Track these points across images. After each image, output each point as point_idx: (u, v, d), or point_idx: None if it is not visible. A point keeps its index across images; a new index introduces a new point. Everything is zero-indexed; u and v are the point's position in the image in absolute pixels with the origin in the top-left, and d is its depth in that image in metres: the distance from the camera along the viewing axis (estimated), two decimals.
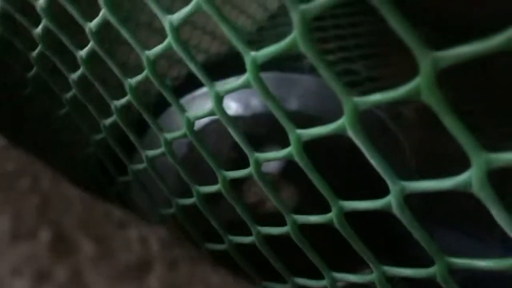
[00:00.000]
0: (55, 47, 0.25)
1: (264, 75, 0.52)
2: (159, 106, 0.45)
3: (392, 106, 0.55)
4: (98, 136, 0.27)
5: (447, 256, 0.15)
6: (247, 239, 0.22)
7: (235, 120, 0.53)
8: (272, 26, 0.61)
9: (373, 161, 0.14)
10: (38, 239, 0.08)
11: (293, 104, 0.51)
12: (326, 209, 0.18)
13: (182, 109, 0.20)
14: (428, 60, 0.11)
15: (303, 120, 0.52)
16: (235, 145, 0.50)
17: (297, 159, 0.16)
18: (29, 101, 0.29)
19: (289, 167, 0.44)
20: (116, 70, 0.21)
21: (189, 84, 0.48)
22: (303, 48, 0.14)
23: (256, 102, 0.52)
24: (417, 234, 0.15)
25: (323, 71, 0.14)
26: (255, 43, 0.58)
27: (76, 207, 0.09)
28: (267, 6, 0.60)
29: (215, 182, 0.24)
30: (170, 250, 0.08)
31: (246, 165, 0.21)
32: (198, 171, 0.46)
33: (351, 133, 0.14)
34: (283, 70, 0.57)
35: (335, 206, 0.17)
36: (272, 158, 0.18)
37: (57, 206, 0.08)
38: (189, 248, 0.09)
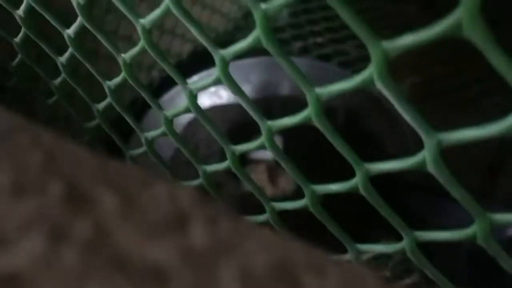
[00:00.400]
0: (40, 30, 0.23)
1: (256, 60, 0.50)
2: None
3: None
4: (92, 124, 0.25)
5: (489, 213, 0.13)
6: (260, 218, 0.21)
7: (229, 108, 0.51)
8: (248, 24, 0.60)
9: (406, 115, 0.13)
10: (48, 192, 0.06)
11: (285, 88, 0.50)
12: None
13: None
14: None
15: (296, 104, 0.51)
16: (227, 135, 0.48)
17: (315, 121, 0.15)
18: (14, 92, 0.27)
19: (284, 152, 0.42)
20: (107, 44, 0.19)
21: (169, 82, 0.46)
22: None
23: (247, 89, 0.51)
24: (456, 192, 0.14)
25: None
26: (231, 42, 0.57)
27: (88, 163, 0.07)
28: (241, 3, 0.59)
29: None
30: (205, 207, 0.07)
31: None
32: (186, 172, 0.44)
33: (380, 84, 0.13)
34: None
35: (360, 171, 0.15)
36: (286, 124, 0.17)
37: (65, 161, 0.07)
38: (225, 206, 0.07)
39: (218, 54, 0.16)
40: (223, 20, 0.57)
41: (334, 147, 0.16)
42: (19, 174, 0.07)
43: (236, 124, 0.46)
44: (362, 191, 0.16)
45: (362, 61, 0.55)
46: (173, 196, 0.07)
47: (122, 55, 0.19)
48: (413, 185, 0.36)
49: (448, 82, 0.53)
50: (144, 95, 0.21)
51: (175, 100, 0.44)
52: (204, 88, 0.18)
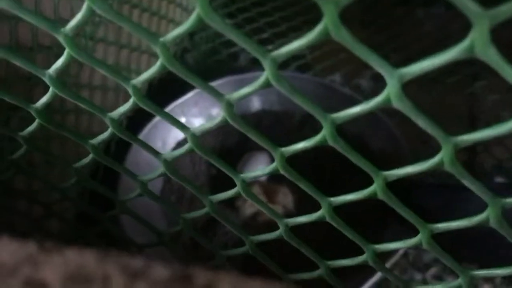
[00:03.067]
0: None
1: (223, 81, 0.49)
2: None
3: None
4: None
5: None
6: (273, 235, 0.21)
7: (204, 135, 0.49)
8: (201, 29, 0.58)
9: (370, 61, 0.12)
10: None
11: (256, 103, 0.49)
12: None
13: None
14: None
15: (269, 116, 0.50)
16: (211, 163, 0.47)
17: (331, 142, 0.16)
18: None
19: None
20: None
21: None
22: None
23: (218, 110, 0.50)
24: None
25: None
26: (190, 50, 0.56)
27: None
28: (189, 8, 0.58)
29: (200, 206, 0.23)
30: None
31: (227, 179, 0.20)
32: (181, 198, 0.43)
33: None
34: (236, 73, 0.55)
35: (378, 178, 0.16)
36: (299, 148, 0.16)
37: None
38: None
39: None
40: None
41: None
42: None
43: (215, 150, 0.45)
44: (381, 196, 0.16)
45: (319, 63, 0.55)
46: None
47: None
48: (425, 183, 0.38)
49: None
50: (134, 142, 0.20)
51: (151, 136, 0.43)
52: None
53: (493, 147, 0.46)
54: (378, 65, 0.13)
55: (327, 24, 0.12)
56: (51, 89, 0.18)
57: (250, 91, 0.16)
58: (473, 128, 0.48)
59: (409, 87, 0.14)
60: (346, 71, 0.54)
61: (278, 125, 0.48)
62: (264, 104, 0.50)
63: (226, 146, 0.46)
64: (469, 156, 0.46)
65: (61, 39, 0.16)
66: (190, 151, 0.20)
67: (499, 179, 0.45)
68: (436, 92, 0.50)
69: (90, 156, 0.21)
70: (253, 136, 0.18)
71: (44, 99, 0.19)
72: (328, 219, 0.19)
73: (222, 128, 0.50)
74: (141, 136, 0.43)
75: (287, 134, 0.46)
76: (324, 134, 0.16)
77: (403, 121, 0.16)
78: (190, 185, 0.22)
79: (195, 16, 0.13)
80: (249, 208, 0.40)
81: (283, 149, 0.17)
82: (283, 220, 0.21)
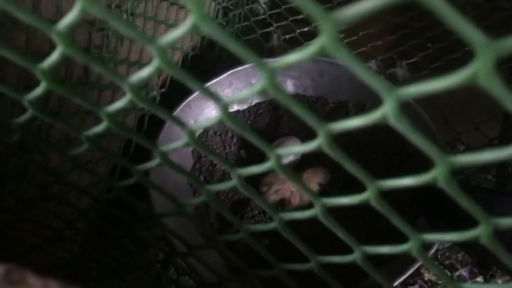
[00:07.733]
0: None
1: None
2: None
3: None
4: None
5: None
6: (307, 213, 0.18)
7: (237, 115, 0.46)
8: (236, 4, 0.54)
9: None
10: None
11: (289, 87, 0.46)
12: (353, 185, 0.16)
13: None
14: None
15: (302, 101, 0.46)
16: (242, 145, 0.44)
17: (394, 120, 0.12)
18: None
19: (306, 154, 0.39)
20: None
21: (176, 90, 0.43)
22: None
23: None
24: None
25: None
26: (224, 27, 0.52)
27: None
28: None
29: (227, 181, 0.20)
30: None
31: (257, 163, 0.17)
32: (211, 178, 0.41)
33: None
34: (268, 56, 0.52)
35: (443, 164, 0.12)
36: (350, 126, 0.13)
37: None
38: None
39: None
40: (213, 4, 0.52)
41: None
42: None
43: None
44: (442, 184, 0.14)
45: (355, 48, 0.51)
46: None
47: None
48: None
49: None
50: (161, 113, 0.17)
51: (183, 114, 0.41)
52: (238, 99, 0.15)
53: None
54: None
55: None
56: (58, 47, 0.15)
57: (302, 57, 0.13)
58: (506, 126, 0.44)
59: None
60: (382, 59, 0.50)
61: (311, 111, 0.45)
62: (298, 88, 0.47)
63: (255, 130, 0.44)
64: None
65: None
66: (220, 122, 0.17)
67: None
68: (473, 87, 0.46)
69: (104, 124, 0.18)
70: (297, 109, 0.15)
71: (50, 59, 0.16)
72: (373, 202, 0.16)
73: (253, 110, 0.47)
74: (175, 114, 0.41)
75: None
76: (385, 111, 0.12)
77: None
78: (217, 156, 0.19)
79: None
80: (273, 195, 0.37)
81: (332, 125, 0.14)
82: (320, 200, 0.18)
